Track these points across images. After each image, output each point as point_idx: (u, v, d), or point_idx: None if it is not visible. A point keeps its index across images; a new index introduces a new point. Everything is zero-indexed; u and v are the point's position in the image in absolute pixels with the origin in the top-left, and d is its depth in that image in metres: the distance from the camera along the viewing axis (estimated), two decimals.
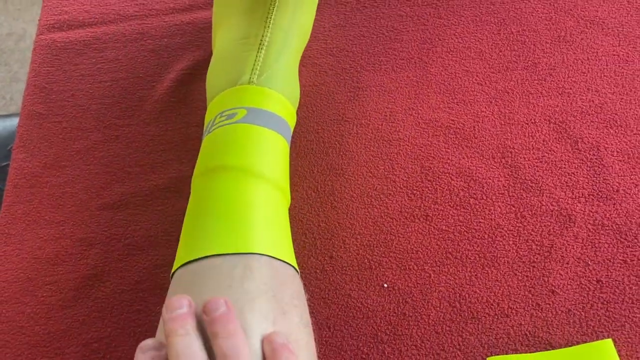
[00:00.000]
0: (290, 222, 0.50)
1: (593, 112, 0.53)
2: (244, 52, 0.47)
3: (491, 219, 0.49)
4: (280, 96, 0.46)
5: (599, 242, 0.47)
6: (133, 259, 0.50)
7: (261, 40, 0.47)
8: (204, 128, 0.47)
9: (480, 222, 0.49)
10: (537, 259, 0.47)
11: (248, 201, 0.40)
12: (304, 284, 0.47)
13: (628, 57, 0.55)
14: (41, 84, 0.60)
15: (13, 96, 1.63)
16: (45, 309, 0.48)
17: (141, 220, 0.52)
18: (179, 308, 0.33)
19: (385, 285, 0.47)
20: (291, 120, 0.48)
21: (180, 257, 0.39)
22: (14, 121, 0.90)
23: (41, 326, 0.47)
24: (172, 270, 0.40)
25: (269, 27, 0.47)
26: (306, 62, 0.59)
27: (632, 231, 0.47)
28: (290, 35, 0.49)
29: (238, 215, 0.39)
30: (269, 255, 0.38)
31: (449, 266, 0.47)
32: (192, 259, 0.38)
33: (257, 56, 0.46)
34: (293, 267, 0.40)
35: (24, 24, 1.72)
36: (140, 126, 0.57)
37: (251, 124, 0.43)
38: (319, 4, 0.62)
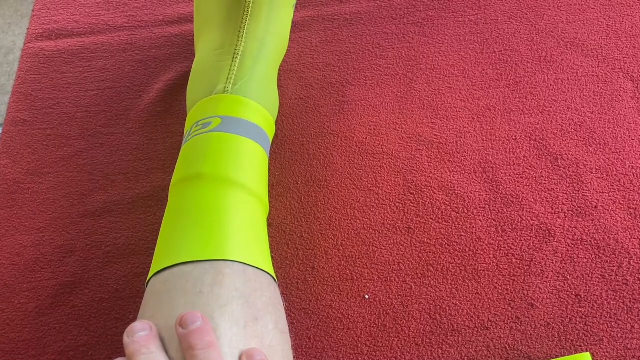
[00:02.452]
0: (273, 233, 0.50)
1: (573, 130, 0.54)
2: (219, 62, 0.48)
3: (472, 232, 0.49)
4: (256, 104, 0.46)
5: (578, 257, 0.48)
6: (113, 267, 0.49)
7: (235, 49, 0.47)
8: (183, 138, 0.47)
9: (461, 235, 0.49)
10: (517, 272, 0.47)
11: (222, 208, 0.40)
12: (285, 294, 0.47)
13: (607, 77, 0.57)
14: (27, 91, 0.60)
15: (0, 108, 1.63)
16: (21, 316, 0.47)
17: (123, 229, 0.51)
18: (141, 331, 0.33)
19: (367, 296, 0.47)
20: (269, 129, 0.48)
21: (155, 265, 0.39)
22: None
23: (16, 333, 0.47)
24: (147, 279, 0.40)
25: (242, 36, 0.48)
26: (293, 76, 0.59)
27: (610, 247, 0.48)
28: (265, 44, 0.49)
29: (211, 222, 0.39)
30: (242, 262, 0.38)
31: (430, 278, 0.48)
32: (164, 266, 0.38)
33: (231, 65, 0.47)
34: (269, 274, 0.40)
35: (14, 37, 1.72)
36: (125, 135, 0.57)
37: (225, 132, 0.44)
38: (306, 21, 0.63)
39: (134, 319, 0.46)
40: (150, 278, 0.39)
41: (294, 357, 0.44)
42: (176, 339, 0.34)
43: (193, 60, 0.60)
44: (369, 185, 0.52)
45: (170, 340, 0.34)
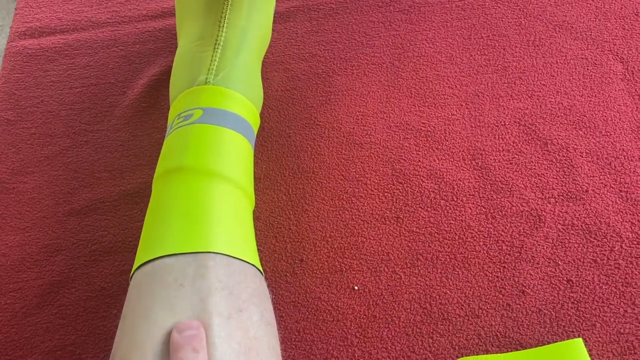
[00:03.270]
0: (261, 226, 0.50)
1: (562, 114, 0.53)
2: (200, 53, 0.47)
3: (462, 220, 0.49)
4: (239, 95, 0.46)
5: (569, 242, 0.47)
6: (100, 264, 0.49)
7: (216, 40, 0.47)
8: (166, 131, 0.47)
9: (451, 223, 0.49)
10: (507, 259, 0.47)
11: (204, 200, 0.39)
12: (274, 288, 0.47)
13: (596, 60, 0.56)
14: (11, 90, 0.59)
15: None
16: (7, 316, 0.47)
17: (109, 226, 0.51)
18: (189, 329, 0.33)
19: (356, 287, 0.47)
20: (253, 120, 0.48)
21: (138, 258, 0.39)
22: None
23: (3, 334, 0.46)
24: (131, 273, 0.39)
25: (223, 26, 0.47)
26: (278, 67, 0.59)
27: (602, 231, 0.47)
28: (247, 34, 0.49)
29: (193, 214, 0.39)
30: (226, 254, 0.37)
31: (419, 267, 0.47)
32: (146, 260, 0.37)
33: (212, 56, 0.46)
34: (254, 266, 0.40)
35: (2, 40, 1.71)
36: (110, 132, 0.56)
37: (207, 123, 0.43)
38: (291, 11, 0.62)
39: (120, 316, 0.46)
40: (134, 272, 0.38)
41: (283, 350, 0.44)
42: (155, 333, 0.33)
43: None
44: (357, 176, 0.52)
45: (149, 333, 0.33)
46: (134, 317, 0.35)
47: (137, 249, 0.49)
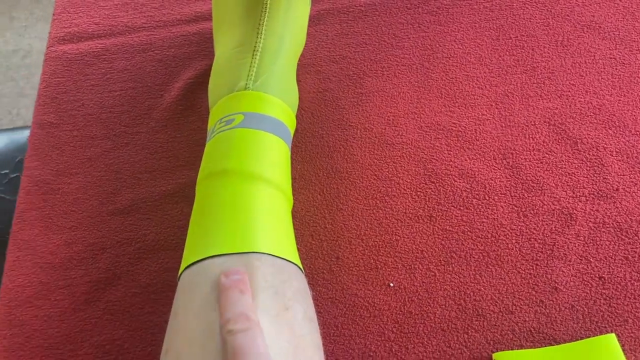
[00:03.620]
0: (297, 225, 0.51)
1: (592, 114, 0.54)
2: (239, 60, 0.48)
3: (494, 218, 0.50)
4: (277, 100, 0.47)
5: (600, 240, 0.48)
6: (144, 262, 0.51)
7: (255, 46, 0.48)
8: (207, 135, 0.48)
9: (483, 221, 0.50)
10: (539, 257, 0.48)
11: (248, 202, 0.41)
12: (312, 284, 0.49)
13: (624, 59, 0.57)
14: (52, 94, 0.61)
15: (19, 111, 1.65)
16: (58, 312, 0.49)
17: (151, 225, 0.53)
18: (236, 274, 0.36)
19: (391, 284, 0.48)
20: (290, 124, 0.49)
21: (185, 259, 0.41)
22: (22, 134, 0.92)
23: (54, 329, 0.48)
24: (179, 274, 0.41)
25: (261, 33, 0.49)
26: (310, 70, 0.60)
27: (633, 228, 0.48)
28: (284, 40, 0.50)
29: (239, 216, 0.40)
30: (270, 254, 0.39)
31: (453, 265, 0.48)
32: (195, 260, 0.39)
33: (251, 62, 0.48)
34: (296, 265, 0.41)
35: (30, 40, 1.74)
36: (149, 134, 0.58)
37: (249, 128, 0.45)
38: (322, 14, 0.64)
39: (166, 312, 0.48)
40: (182, 272, 0.40)
41: (323, 345, 0.46)
42: (209, 329, 0.35)
43: (211, 58, 0.62)
44: (390, 175, 0.53)
45: (203, 331, 0.35)
46: (187, 315, 0.37)
47: (178, 248, 0.51)
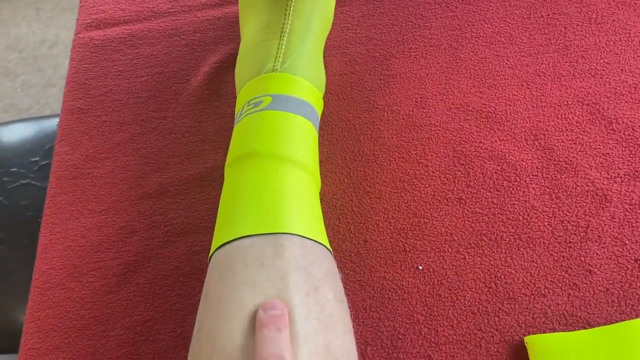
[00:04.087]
0: (324, 208, 0.51)
1: (627, 93, 0.53)
2: (267, 41, 0.48)
3: (526, 200, 0.49)
4: (305, 82, 0.47)
5: (636, 222, 0.47)
6: (173, 245, 0.51)
7: (282, 28, 0.48)
8: (235, 118, 0.48)
9: (514, 204, 0.49)
10: (573, 239, 0.47)
11: (277, 184, 0.41)
12: (340, 267, 0.48)
13: None
14: (81, 80, 0.62)
15: (47, 100, 1.68)
16: (90, 294, 0.50)
17: (179, 209, 0.53)
18: (274, 309, 0.34)
19: (420, 267, 0.48)
20: (318, 105, 0.49)
21: (216, 240, 0.41)
22: (51, 122, 0.93)
23: (87, 310, 0.49)
24: (209, 255, 0.41)
25: (289, 14, 0.48)
26: (336, 52, 0.59)
27: None
28: (312, 21, 0.49)
29: (268, 197, 0.40)
30: (299, 235, 0.39)
31: (483, 248, 0.48)
32: (225, 241, 0.39)
33: (279, 44, 0.47)
34: (325, 246, 0.41)
35: (56, 30, 1.77)
36: (176, 118, 0.58)
37: (277, 110, 0.44)
38: None
39: (195, 294, 0.49)
40: (213, 253, 0.40)
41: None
42: (239, 309, 0.35)
43: (237, 42, 0.61)
44: (418, 158, 0.52)
45: (234, 311, 0.35)
46: (219, 295, 0.37)
47: (207, 231, 0.51)
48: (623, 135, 0.50)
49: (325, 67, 0.58)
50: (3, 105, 1.66)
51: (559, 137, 0.51)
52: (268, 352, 0.33)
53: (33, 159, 0.89)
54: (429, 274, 0.47)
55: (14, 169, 0.88)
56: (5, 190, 0.86)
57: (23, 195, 0.86)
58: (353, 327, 0.45)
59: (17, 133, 0.91)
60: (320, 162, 0.53)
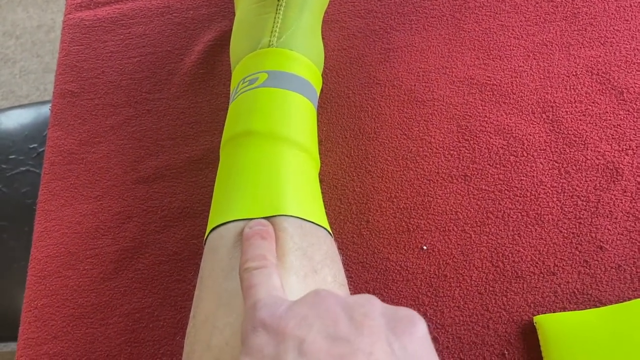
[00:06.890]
0: (325, 189, 0.50)
1: (638, 61, 0.50)
2: (262, 15, 0.46)
3: (533, 176, 0.47)
4: (302, 57, 0.45)
5: None
6: (170, 230, 0.50)
7: (278, 1, 0.46)
8: (230, 96, 0.46)
9: (522, 179, 0.47)
10: (583, 215, 0.45)
11: (273, 164, 0.39)
12: (341, 249, 0.47)
13: None
14: (72, 62, 0.60)
15: (47, 87, 1.66)
16: (87, 281, 0.49)
17: (176, 192, 0.52)
18: (259, 225, 0.36)
19: (425, 247, 0.46)
20: (316, 82, 0.47)
21: (211, 222, 0.39)
22: (49, 108, 0.92)
23: (84, 298, 0.48)
24: (205, 237, 0.40)
25: None
26: (334, 26, 0.57)
27: None
28: None
29: (264, 178, 0.39)
30: (297, 217, 0.37)
31: (490, 226, 0.46)
32: (219, 223, 0.38)
33: (275, 18, 0.45)
34: (325, 228, 0.40)
35: (53, 15, 1.74)
36: (170, 100, 0.56)
37: (273, 87, 0.42)
38: None
39: (194, 279, 0.47)
40: (208, 235, 0.39)
41: None
42: (235, 289, 0.34)
43: (232, 19, 0.59)
44: (421, 134, 0.51)
45: (230, 291, 0.34)
46: (215, 278, 0.36)
47: (204, 214, 0.50)
48: (634, 106, 0.48)
49: (323, 42, 0.56)
50: (2, 92, 1.65)
51: (567, 109, 0.49)
52: (252, 254, 0.33)
53: (31, 146, 0.88)
54: (434, 254, 0.46)
55: (13, 156, 0.87)
56: (4, 178, 0.85)
57: (22, 183, 0.84)
58: None
59: (15, 119, 0.90)
60: (320, 141, 0.52)
